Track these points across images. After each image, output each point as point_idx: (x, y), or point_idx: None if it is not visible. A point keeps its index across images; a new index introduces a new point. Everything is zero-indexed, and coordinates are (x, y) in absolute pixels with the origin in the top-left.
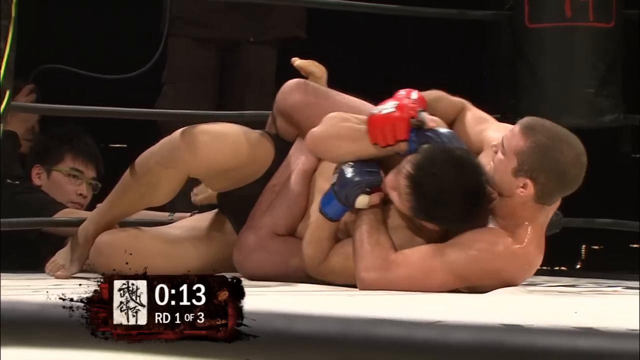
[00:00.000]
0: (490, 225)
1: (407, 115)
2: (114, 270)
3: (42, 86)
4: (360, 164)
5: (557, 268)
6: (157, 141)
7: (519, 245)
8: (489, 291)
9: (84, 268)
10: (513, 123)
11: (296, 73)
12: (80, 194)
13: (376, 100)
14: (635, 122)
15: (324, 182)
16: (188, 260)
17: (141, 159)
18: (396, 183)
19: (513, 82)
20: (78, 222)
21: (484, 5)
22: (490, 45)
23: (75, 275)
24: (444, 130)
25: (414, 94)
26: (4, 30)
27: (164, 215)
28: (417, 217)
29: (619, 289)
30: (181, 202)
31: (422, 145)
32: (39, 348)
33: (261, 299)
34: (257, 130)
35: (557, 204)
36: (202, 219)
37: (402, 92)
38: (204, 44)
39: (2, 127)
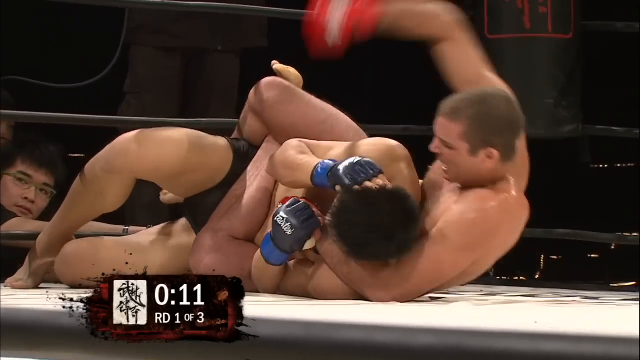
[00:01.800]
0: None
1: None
2: (81, 279)
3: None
4: (293, 212)
5: (516, 278)
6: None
7: (504, 195)
8: (497, 257)
9: (46, 279)
10: None
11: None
12: (26, 198)
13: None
14: (594, 132)
15: (287, 192)
16: (151, 269)
17: (87, 166)
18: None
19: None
20: (33, 236)
21: None
22: None
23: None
24: (359, 158)
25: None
26: None
27: (118, 229)
28: (352, 258)
29: (577, 298)
30: (141, 213)
31: (335, 171)
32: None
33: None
34: (215, 136)
35: (525, 173)
36: (167, 227)
37: None
38: (168, 53)
39: None
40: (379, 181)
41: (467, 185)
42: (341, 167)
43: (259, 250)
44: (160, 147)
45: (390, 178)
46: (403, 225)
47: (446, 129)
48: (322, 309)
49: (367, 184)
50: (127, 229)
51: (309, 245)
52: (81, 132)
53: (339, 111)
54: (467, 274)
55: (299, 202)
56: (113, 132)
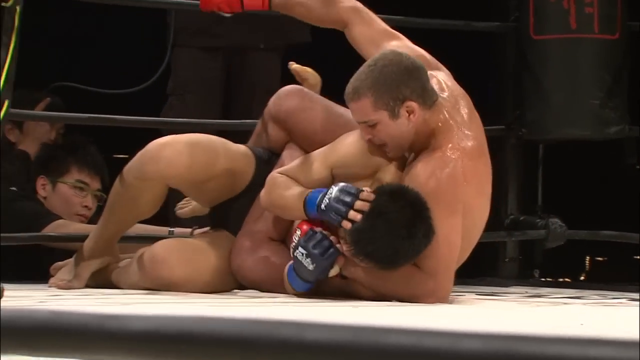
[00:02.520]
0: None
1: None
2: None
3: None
4: (312, 246)
5: (561, 279)
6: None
7: (440, 152)
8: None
9: (87, 283)
10: (518, 135)
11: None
12: (86, 206)
13: None
14: None
15: None
16: (227, 276)
17: (122, 174)
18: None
19: (518, 94)
20: (82, 238)
21: (489, 16)
22: (495, 56)
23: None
24: (335, 188)
25: None
26: (5, 40)
27: (164, 231)
28: (393, 269)
29: (623, 300)
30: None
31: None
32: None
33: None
34: (236, 144)
35: None
36: (212, 234)
37: None
38: (210, 54)
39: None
40: (362, 202)
41: (413, 150)
42: (324, 207)
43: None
44: (190, 153)
45: (377, 167)
46: (416, 215)
47: (359, 110)
48: (367, 311)
49: (353, 212)
50: (173, 231)
51: (333, 272)
52: (125, 134)
53: None
54: (469, 230)
55: (316, 233)
56: (157, 135)
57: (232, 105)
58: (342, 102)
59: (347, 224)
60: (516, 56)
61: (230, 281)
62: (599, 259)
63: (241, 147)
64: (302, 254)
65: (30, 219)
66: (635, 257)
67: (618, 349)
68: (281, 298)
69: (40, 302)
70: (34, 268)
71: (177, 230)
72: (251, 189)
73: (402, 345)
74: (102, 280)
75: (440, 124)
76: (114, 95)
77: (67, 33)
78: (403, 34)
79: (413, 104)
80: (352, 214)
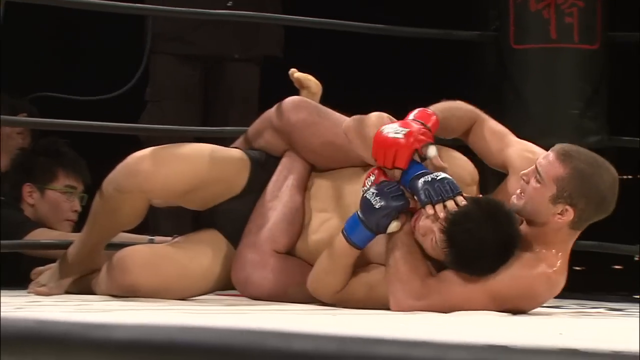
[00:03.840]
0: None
1: (412, 145)
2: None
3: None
4: (384, 188)
5: None
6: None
7: (552, 270)
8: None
9: (69, 290)
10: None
11: (277, 91)
12: (75, 211)
13: None
14: (620, 143)
15: (317, 203)
16: (202, 280)
17: (103, 184)
18: (427, 230)
19: (498, 103)
20: (64, 245)
21: (469, 25)
22: (475, 65)
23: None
24: (443, 175)
25: (431, 118)
26: None
27: (144, 239)
28: (453, 268)
29: (602, 310)
30: (165, 223)
31: (414, 180)
32: None
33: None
34: (229, 148)
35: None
36: (200, 235)
37: (417, 113)
38: (188, 61)
39: None
40: (461, 199)
41: (526, 219)
42: (420, 181)
43: (330, 245)
44: (170, 166)
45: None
46: (513, 247)
47: (549, 165)
48: (351, 320)
49: (452, 202)
50: (153, 239)
51: (394, 227)
52: (104, 141)
53: None
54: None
55: (392, 182)
56: (135, 141)
57: (210, 114)
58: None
59: (438, 209)
60: (496, 65)
61: (214, 283)
62: (578, 268)
63: (233, 152)
64: (373, 193)
65: (10, 227)
66: (613, 266)
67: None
68: (265, 305)
69: (18, 308)
70: (12, 275)
71: (157, 238)
72: (247, 192)
73: (388, 355)
74: (83, 287)
75: (564, 245)
76: (92, 102)
77: (45, 40)
78: (385, 43)
79: (571, 213)
80: (451, 203)
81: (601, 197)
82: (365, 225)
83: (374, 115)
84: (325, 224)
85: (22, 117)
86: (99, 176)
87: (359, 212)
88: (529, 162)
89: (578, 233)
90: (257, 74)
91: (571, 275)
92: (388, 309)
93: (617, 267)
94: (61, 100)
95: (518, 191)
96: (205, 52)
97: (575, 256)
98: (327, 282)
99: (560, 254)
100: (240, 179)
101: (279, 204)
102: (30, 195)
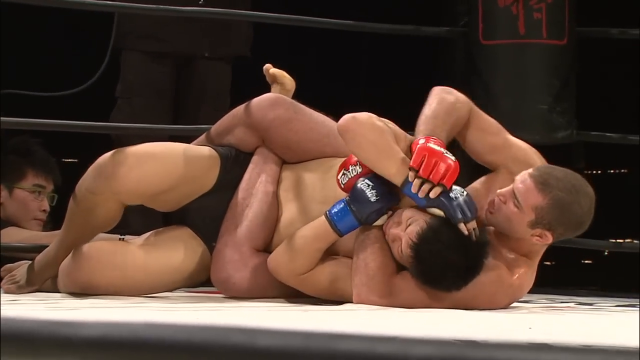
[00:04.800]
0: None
1: (456, 174)
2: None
3: None
4: (380, 183)
5: None
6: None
7: (517, 277)
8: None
9: (42, 288)
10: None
11: (246, 90)
12: (44, 210)
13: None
14: (588, 138)
15: (288, 194)
16: (167, 276)
17: (77, 186)
18: (395, 238)
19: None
20: (35, 248)
21: (438, 21)
22: (444, 61)
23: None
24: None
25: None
26: None
27: (114, 237)
28: (416, 279)
29: (572, 304)
30: (135, 219)
31: (432, 206)
32: None
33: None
34: (198, 146)
35: None
36: (166, 233)
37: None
38: (158, 59)
39: None
40: (473, 225)
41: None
42: (460, 200)
43: (304, 227)
44: (142, 167)
45: None
46: (478, 269)
47: (527, 192)
48: (318, 316)
49: (466, 225)
50: (123, 238)
51: (380, 222)
52: (72, 138)
53: (329, 119)
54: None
55: (383, 178)
56: (106, 137)
57: (181, 111)
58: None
59: (469, 226)
60: (465, 61)
61: (184, 280)
62: (547, 263)
63: (203, 149)
64: (368, 185)
65: None
66: (583, 261)
67: (566, 354)
68: (231, 302)
69: None
70: None
71: (127, 237)
72: (218, 189)
73: (353, 351)
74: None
75: (535, 256)
76: (55, 98)
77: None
78: (353, 38)
79: (549, 238)
80: (470, 225)
81: (579, 222)
82: (354, 214)
83: (365, 116)
84: (298, 216)
85: None
86: (71, 175)
87: (348, 200)
88: (525, 166)
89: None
90: (229, 72)
91: (541, 269)
92: (345, 303)
93: (586, 261)
94: (24, 98)
95: (491, 211)
96: (174, 49)
97: (545, 251)
98: (294, 262)
99: (529, 261)
100: (210, 176)
101: (254, 200)
102: None
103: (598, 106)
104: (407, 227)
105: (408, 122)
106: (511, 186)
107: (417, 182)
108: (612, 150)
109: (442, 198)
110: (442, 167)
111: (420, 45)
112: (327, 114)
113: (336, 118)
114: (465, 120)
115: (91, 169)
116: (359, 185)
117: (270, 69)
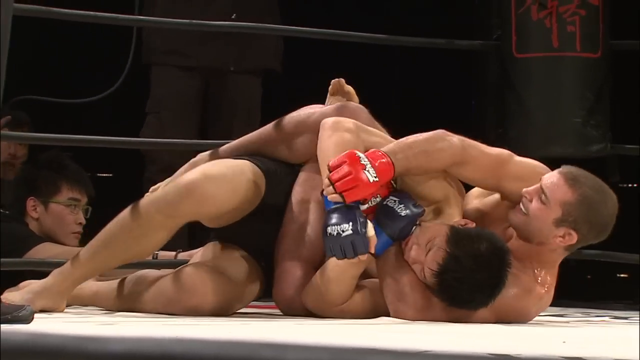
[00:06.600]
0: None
1: (372, 194)
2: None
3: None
4: (404, 198)
5: None
6: (143, 169)
7: (545, 290)
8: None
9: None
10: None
11: (275, 105)
12: (80, 223)
13: None
14: (623, 151)
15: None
16: (237, 299)
17: (137, 209)
18: (416, 261)
19: (501, 112)
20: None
21: (472, 35)
22: (478, 74)
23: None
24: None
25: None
26: None
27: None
28: (444, 303)
29: (606, 318)
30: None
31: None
32: None
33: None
34: (242, 161)
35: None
36: (227, 255)
37: (379, 166)
38: (186, 73)
39: None
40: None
41: (519, 235)
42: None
43: (330, 260)
44: (221, 189)
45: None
46: (502, 284)
47: (556, 187)
48: (349, 330)
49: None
50: (157, 254)
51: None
52: (104, 152)
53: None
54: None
55: (405, 192)
56: (136, 153)
57: (212, 126)
58: None
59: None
60: (499, 74)
61: (248, 300)
62: (583, 277)
63: (249, 165)
64: (395, 201)
65: (13, 242)
66: (618, 274)
67: None
68: (261, 317)
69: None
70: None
71: (161, 253)
72: (264, 206)
73: None
74: (72, 299)
75: (555, 264)
76: (74, 106)
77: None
78: (387, 53)
79: (574, 237)
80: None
81: (604, 224)
82: (387, 232)
83: (344, 123)
84: None
85: (23, 133)
86: (100, 188)
87: (377, 220)
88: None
89: (568, 253)
90: (259, 86)
91: (576, 283)
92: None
93: (622, 275)
94: (45, 104)
95: (519, 206)
96: (201, 63)
97: (580, 265)
98: (330, 294)
99: (551, 271)
100: (258, 193)
101: (312, 217)
102: (34, 209)
103: (633, 119)
104: (427, 253)
105: None
106: (538, 184)
107: (326, 181)
108: None
109: (335, 215)
110: (351, 179)
111: (455, 58)
112: None
113: None
114: (443, 166)
115: (169, 191)
116: (386, 202)
117: (344, 84)
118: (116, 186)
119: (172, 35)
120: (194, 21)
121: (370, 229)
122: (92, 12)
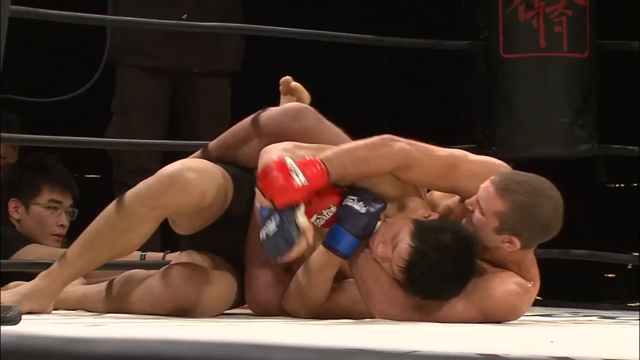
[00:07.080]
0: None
1: (301, 199)
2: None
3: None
4: (363, 195)
5: None
6: (112, 169)
7: (530, 284)
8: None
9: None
10: (489, 154)
11: (240, 107)
12: (61, 225)
13: (354, 133)
14: (610, 152)
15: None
16: (224, 301)
17: (121, 203)
18: (384, 258)
19: (488, 112)
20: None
21: (459, 35)
22: (465, 75)
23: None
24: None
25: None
26: None
27: (136, 255)
28: (416, 297)
29: (594, 318)
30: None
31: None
32: None
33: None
34: (213, 164)
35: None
36: (207, 259)
37: (312, 172)
38: (153, 74)
39: None
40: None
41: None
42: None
43: (306, 262)
44: (203, 180)
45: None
46: (472, 273)
47: (489, 198)
48: (336, 331)
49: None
50: (145, 255)
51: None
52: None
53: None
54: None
55: (364, 189)
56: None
57: (178, 127)
58: None
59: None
60: (486, 75)
61: (228, 304)
62: (570, 277)
63: (219, 169)
64: (354, 199)
65: (2, 243)
66: (606, 275)
67: None
68: (246, 318)
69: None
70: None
71: (148, 254)
72: (232, 210)
73: None
74: (60, 303)
75: (525, 259)
76: (45, 104)
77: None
78: (375, 53)
79: (516, 243)
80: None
81: (544, 225)
82: (351, 232)
83: (285, 144)
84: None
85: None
86: (88, 190)
87: (339, 221)
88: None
89: (533, 249)
90: (226, 87)
91: (564, 283)
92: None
93: (610, 275)
94: (21, 103)
95: (465, 220)
96: (166, 65)
97: (569, 265)
98: (308, 297)
99: (525, 267)
100: (227, 197)
101: None
102: (15, 210)
103: (620, 119)
104: (394, 249)
105: (431, 136)
106: (476, 195)
107: (257, 190)
108: (634, 164)
109: (267, 221)
110: (278, 184)
111: (442, 59)
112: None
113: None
114: (385, 171)
115: (152, 184)
116: (345, 203)
117: (291, 81)
118: (104, 187)
119: (136, 34)
120: (156, 20)
121: (304, 221)
122: (64, 12)
